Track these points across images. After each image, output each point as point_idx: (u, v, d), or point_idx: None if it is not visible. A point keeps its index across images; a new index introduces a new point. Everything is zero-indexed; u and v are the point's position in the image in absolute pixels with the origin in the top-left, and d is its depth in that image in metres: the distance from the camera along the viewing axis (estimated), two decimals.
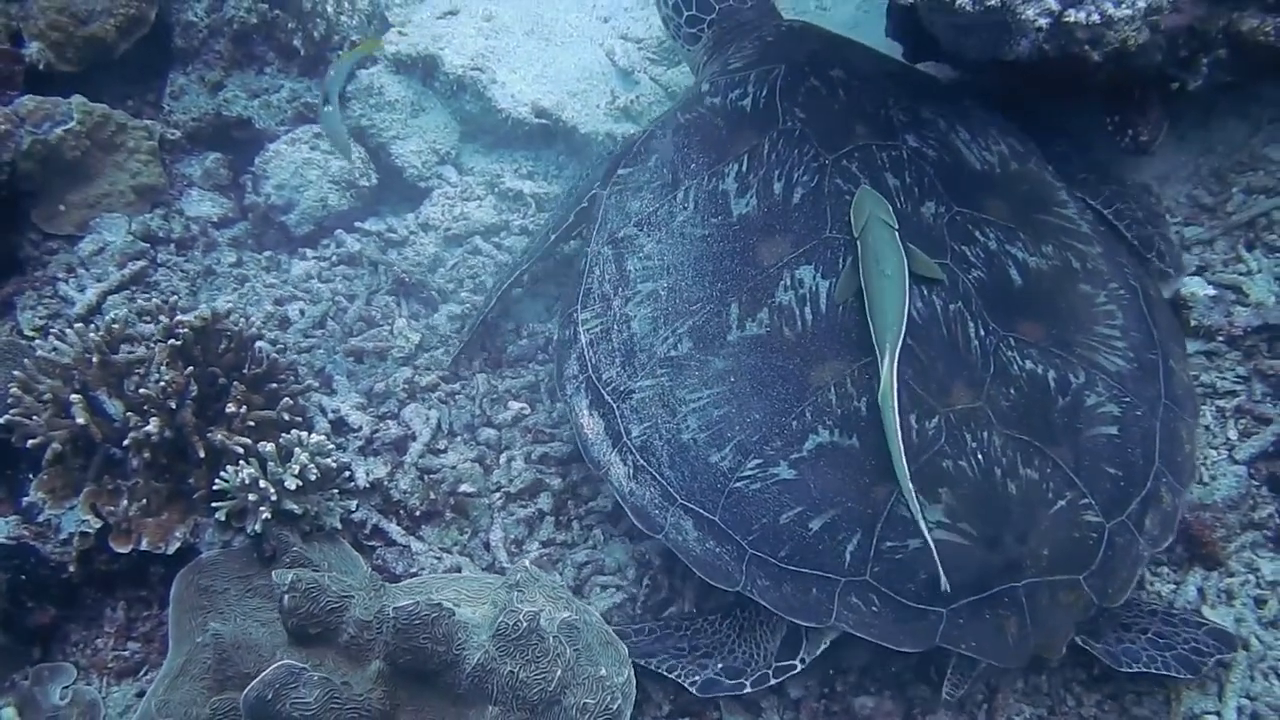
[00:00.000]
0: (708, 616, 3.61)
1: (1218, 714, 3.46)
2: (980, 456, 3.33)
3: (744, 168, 3.86)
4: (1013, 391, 3.43)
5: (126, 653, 3.78)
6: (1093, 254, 3.80)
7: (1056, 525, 3.31)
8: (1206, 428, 3.96)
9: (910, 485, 3.17)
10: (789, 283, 3.61)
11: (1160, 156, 4.51)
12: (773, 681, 3.42)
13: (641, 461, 3.59)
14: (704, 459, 3.48)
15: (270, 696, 2.91)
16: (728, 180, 3.85)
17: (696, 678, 3.44)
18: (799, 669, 3.42)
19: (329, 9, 4.97)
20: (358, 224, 4.84)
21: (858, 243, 3.54)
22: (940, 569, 3.16)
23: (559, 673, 3.08)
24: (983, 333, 3.51)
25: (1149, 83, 4.12)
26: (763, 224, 3.74)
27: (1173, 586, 3.72)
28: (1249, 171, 4.39)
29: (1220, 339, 4.06)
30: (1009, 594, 3.24)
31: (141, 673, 3.74)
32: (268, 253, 4.83)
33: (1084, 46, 3.82)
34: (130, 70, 5.08)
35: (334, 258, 4.77)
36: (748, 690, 3.42)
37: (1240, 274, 4.18)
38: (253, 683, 2.91)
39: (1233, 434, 3.93)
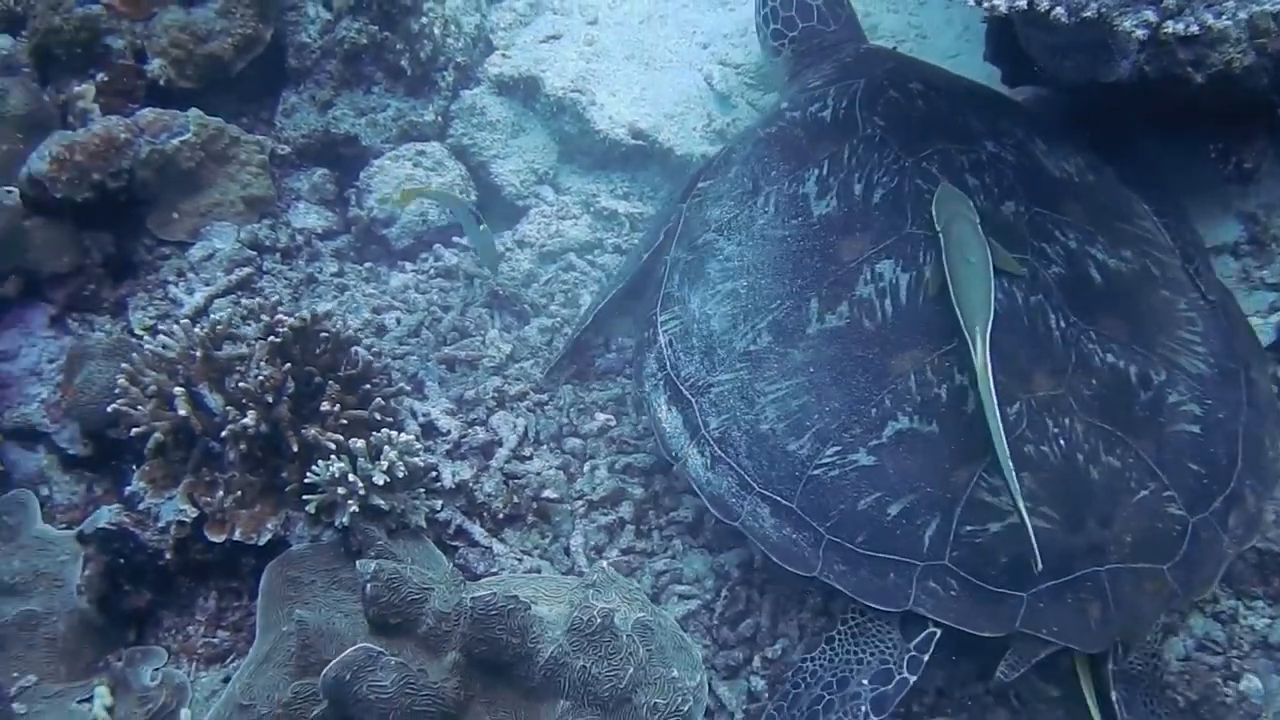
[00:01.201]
0: (812, 655, 3.54)
1: None
2: (1062, 442, 3.32)
3: (824, 172, 3.92)
4: (1095, 381, 3.43)
5: (216, 640, 3.88)
6: (1172, 264, 3.82)
7: (1139, 514, 3.30)
8: None
9: (1010, 465, 3.13)
10: (869, 277, 3.64)
11: (1266, 186, 4.43)
12: (925, 659, 3.36)
13: (719, 452, 3.64)
14: (782, 448, 3.52)
15: (348, 678, 2.97)
16: (808, 184, 3.91)
17: (864, 708, 3.36)
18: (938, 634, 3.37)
19: (436, 31, 5.10)
20: (456, 239, 4.94)
21: (941, 236, 3.55)
22: (1035, 548, 3.11)
23: (631, 670, 3.10)
24: (1064, 324, 3.51)
25: (1255, 109, 4.06)
26: (843, 223, 3.79)
27: (1268, 621, 3.63)
28: None
29: None
30: (1092, 578, 3.24)
31: (229, 660, 3.84)
32: (368, 264, 4.96)
33: (1186, 68, 3.80)
34: (246, 89, 5.26)
35: (432, 270, 4.87)
36: (906, 677, 3.36)
37: None
38: (331, 663, 2.98)
39: None
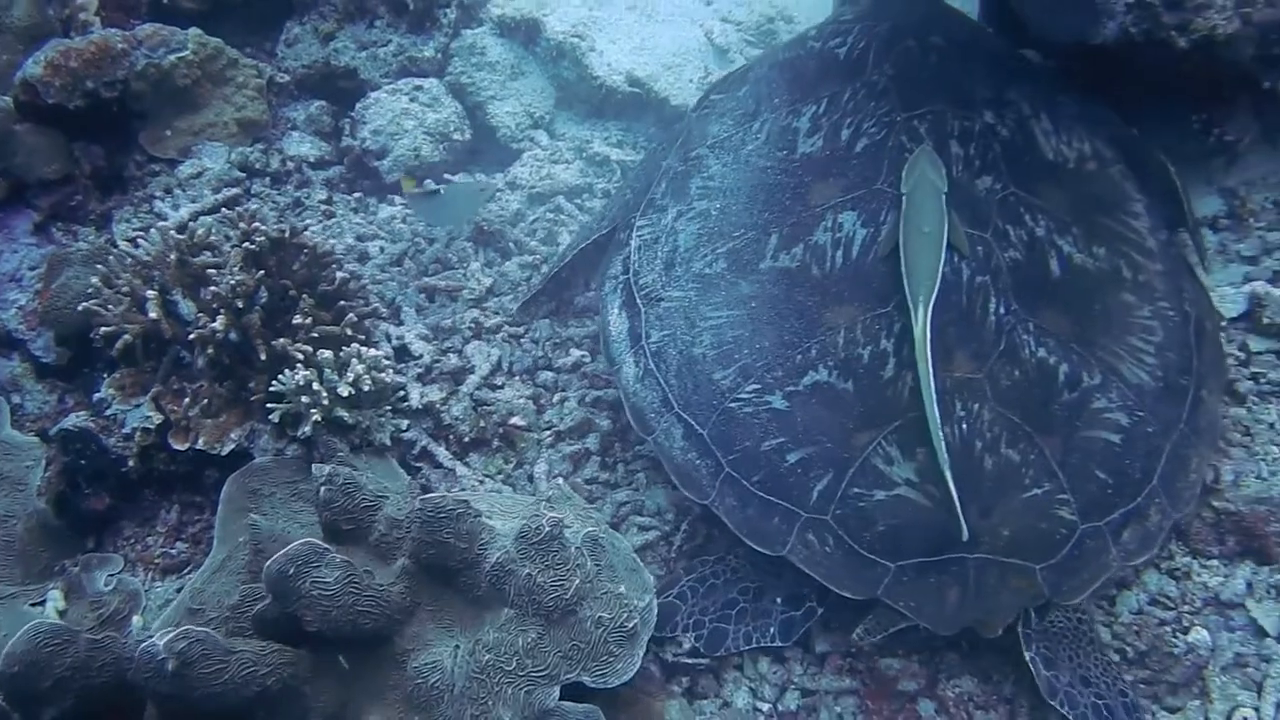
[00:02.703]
0: (738, 552, 3.57)
1: (1256, 710, 3.35)
2: (964, 426, 3.30)
3: (820, 109, 3.90)
4: (1017, 373, 3.38)
5: (174, 551, 3.90)
6: (1150, 269, 3.70)
7: (1025, 510, 3.26)
8: (1270, 425, 3.83)
9: (941, 435, 3.15)
10: (829, 224, 3.62)
11: (1250, 164, 4.42)
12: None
13: (652, 365, 3.65)
14: (708, 375, 3.52)
15: (292, 571, 2.94)
16: (802, 119, 3.90)
17: (772, 629, 3.44)
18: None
19: None
20: (448, 176, 4.93)
21: (904, 199, 3.53)
22: (961, 518, 3.14)
23: (577, 582, 3.08)
24: (1002, 310, 3.46)
25: (1239, 81, 4.04)
26: (822, 165, 3.77)
27: (1221, 579, 3.60)
28: None
29: None
30: (958, 564, 3.23)
31: (185, 571, 3.86)
32: (357, 194, 4.96)
33: (1170, 32, 3.80)
34: (251, 18, 5.31)
35: None
36: (820, 611, 3.43)
37: None
38: (276, 555, 2.94)
39: None
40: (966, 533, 3.15)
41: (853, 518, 3.28)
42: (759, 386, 3.44)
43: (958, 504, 3.14)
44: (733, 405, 3.45)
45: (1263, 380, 3.96)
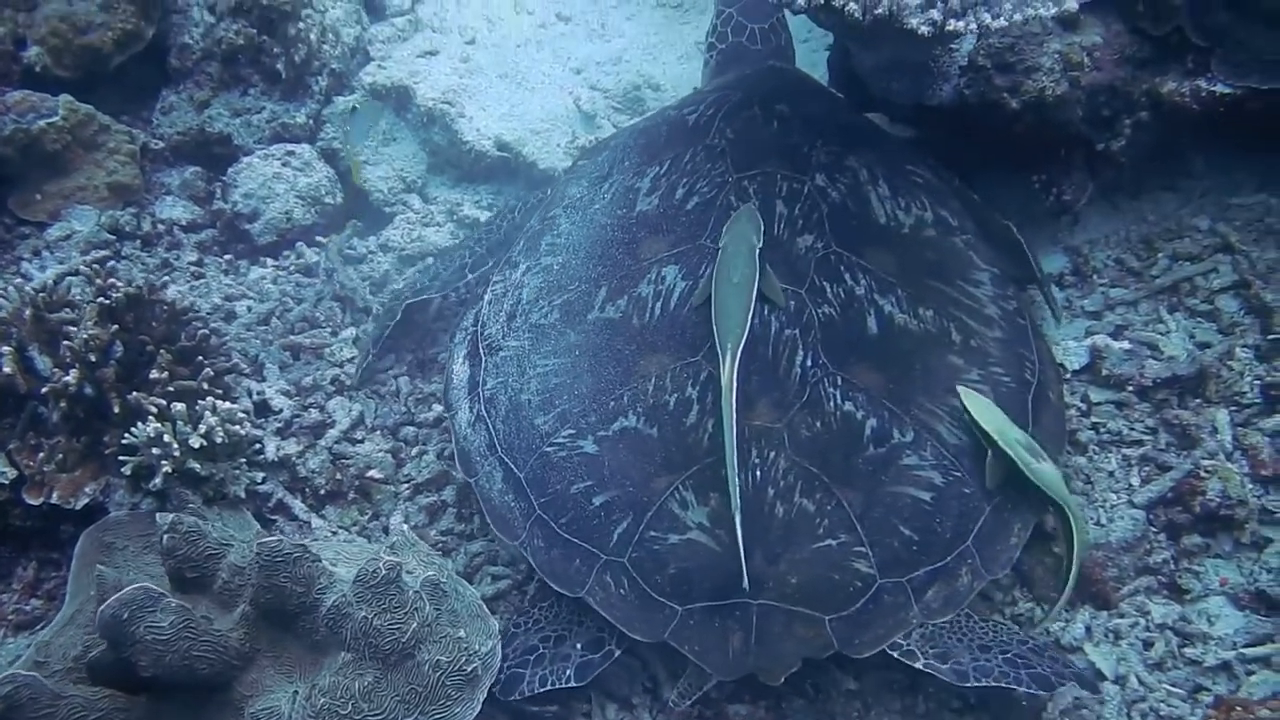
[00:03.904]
0: (540, 605, 3.63)
1: None
2: (758, 473, 3.38)
3: (662, 171, 4.07)
4: (819, 424, 3.47)
5: (28, 608, 3.86)
6: (986, 335, 3.80)
7: (816, 560, 3.32)
8: (1110, 474, 4.00)
9: (737, 483, 3.24)
10: (654, 277, 3.77)
11: (1093, 223, 4.67)
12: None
13: (484, 411, 3.76)
14: (530, 419, 3.64)
15: (125, 616, 2.93)
16: (645, 180, 4.06)
17: (568, 670, 3.43)
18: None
19: (312, 37, 5.23)
20: (319, 239, 5.01)
21: (720, 252, 3.67)
22: (743, 564, 3.21)
23: (414, 625, 3.11)
24: (809, 363, 3.56)
25: (1073, 142, 4.28)
26: (654, 222, 3.93)
27: (1061, 624, 3.72)
28: (1176, 239, 4.50)
29: (1130, 389, 4.11)
30: (741, 609, 3.28)
31: (38, 627, 3.81)
32: (228, 257, 5.01)
33: (1003, 94, 4.04)
34: (128, 88, 5.37)
35: (292, 267, 4.93)
36: (618, 654, 3.43)
37: (1159, 333, 4.25)
38: (109, 600, 2.95)
39: (1135, 480, 3.96)
40: (748, 580, 3.22)
41: (647, 560, 3.36)
42: (574, 431, 3.56)
43: (742, 551, 3.21)
44: (549, 449, 3.56)
45: (1102, 430, 4.14)
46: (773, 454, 3.40)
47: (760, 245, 3.63)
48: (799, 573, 3.29)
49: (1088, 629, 3.70)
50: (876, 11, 3.20)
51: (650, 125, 4.40)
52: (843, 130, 4.23)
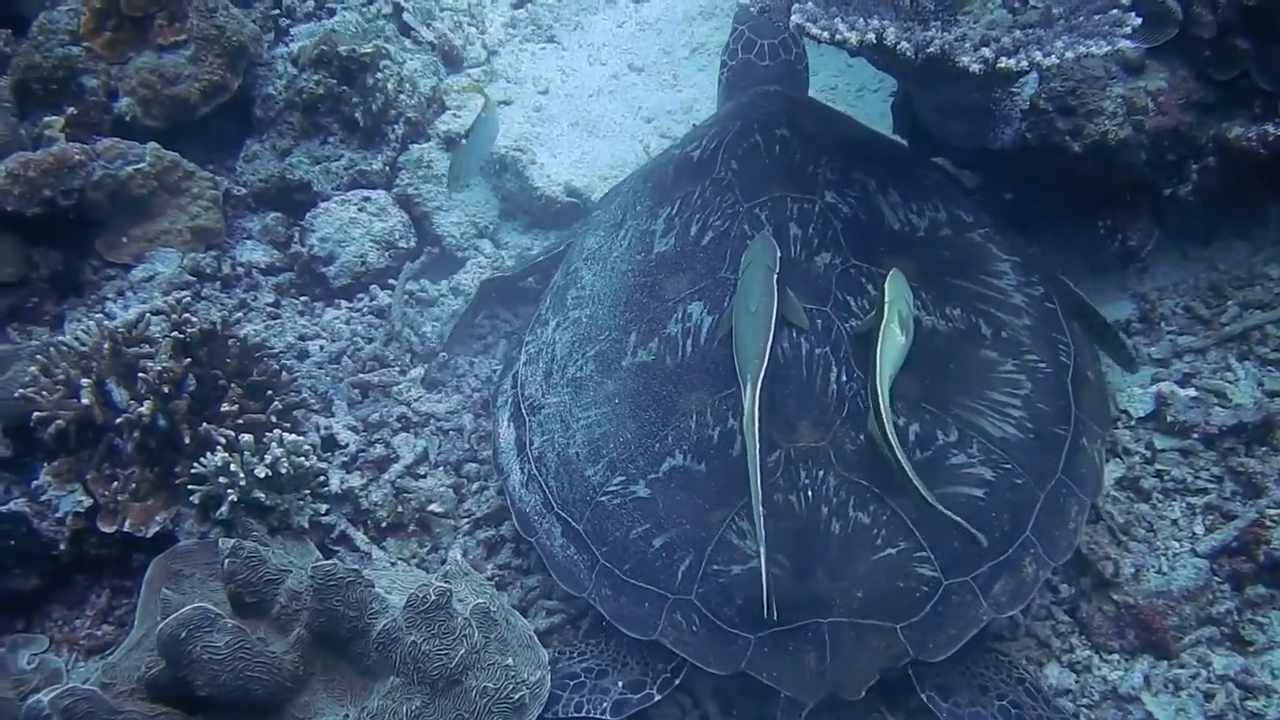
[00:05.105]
0: (590, 640, 3.70)
1: None
2: (810, 493, 3.40)
3: (674, 211, 4.11)
4: (862, 437, 3.48)
5: (99, 633, 3.99)
6: (1015, 324, 3.82)
7: (879, 571, 3.33)
8: (1173, 522, 3.93)
9: (761, 510, 3.27)
10: (680, 316, 3.82)
11: (1162, 271, 4.62)
12: (676, 682, 3.48)
13: (535, 471, 3.82)
14: (581, 472, 3.69)
15: (183, 635, 3.03)
16: (658, 221, 4.11)
17: (605, 704, 3.48)
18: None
19: (390, 86, 5.38)
20: (391, 281, 5.13)
21: (738, 283, 3.70)
22: (765, 594, 3.23)
23: (462, 651, 3.15)
24: (845, 378, 3.58)
25: (1139, 188, 4.24)
26: (673, 262, 3.97)
27: (1121, 672, 3.65)
28: (1247, 287, 4.44)
29: (1196, 436, 4.05)
30: (813, 629, 3.29)
31: (108, 652, 3.91)
32: (305, 298, 5.14)
33: (1064, 137, 4.02)
34: (213, 137, 5.56)
35: (365, 309, 5.04)
36: (657, 698, 3.47)
37: (1227, 381, 4.18)
38: (168, 619, 3.05)
39: (1199, 529, 3.88)
40: (773, 609, 3.25)
41: (714, 594, 3.38)
42: (624, 478, 3.60)
43: (765, 578, 3.24)
44: (603, 499, 3.61)
45: (1166, 477, 4.06)
46: (821, 473, 3.43)
47: (777, 270, 3.66)
48: (864, 585, 3.31)
49: (1146, 678, 3.63)
50: (929, 50, 3.23)
51: (657, 167, 4.46)
52: (845, 145, 4.24)
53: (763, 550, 3.24)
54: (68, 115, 5.14)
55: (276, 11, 5.81)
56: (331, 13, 5.81)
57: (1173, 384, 4.19)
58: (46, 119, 5.11)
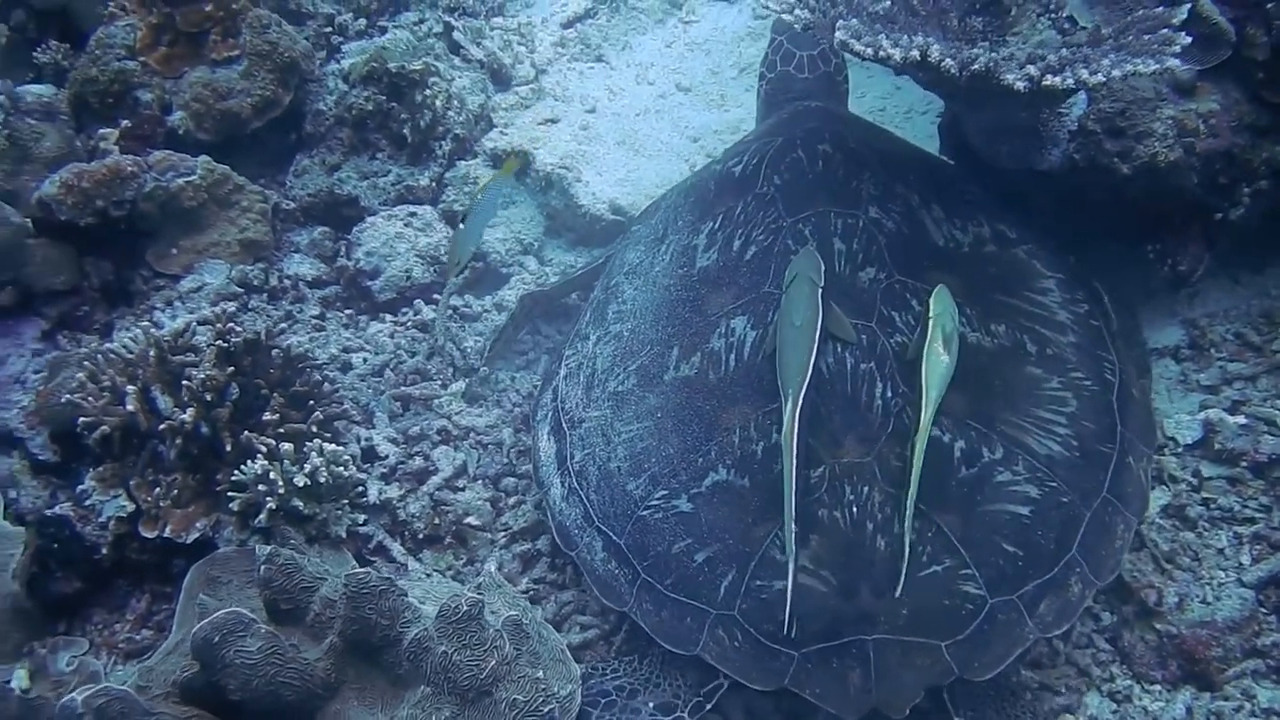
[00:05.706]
0: (624, 658, 3.70)
1: None
2: (855, 509, 3.37)
3: (716, 225, 4.11)
4: (907, 453, 3.42)
5: (138, 637, 4.03)
6: (1060, 341, 3.79)
7: (924, 588, 3.29)
8: (1220, 551, 3.86)
9: (794, 527, 3.24)
10: (723, 330, 3.80)
11: (1213, 297, 4.54)
12: (708, 706, 3.46)
13: (575, 484, 3.81)
14: (622, 486, 3.67)
15: (217, 640, 3.04)
16: (700, 236, 4.11)
17: None
18: (725, 686, 3.46)
19: (438, 103, 5.43)
20: (436, 296, 5.15)
21: (782, 298, 3.68)
22: (788, 611, 3.22)
23: (493, 663, 3.14)
24: (890, 394, 3.56)
25: (1190, 211, 4.18)
26: (716, 277, 3.97)
27: (1162, 703, 3.59)
28: None
29: (1244, 465, 3.97)
30: (857, 645, 3.25)
31: (146, 656, 3.94)
32: (350, 311, 5.18)
33: (1113, 159, 3.98)
34: (265, 152, 5.64)
35: (409, 323, 5.06)
36: (683, 717, 3.45)
37: (1278, 409, 4.10)
38: (202, 622, 3.07)
39: (1245, 559, 3.82)
40: (792, 625, 3.24)
41: (757, 610, 3.35)
42: (666, 492, 3.58)
43: (790, 589, 3.22)
44: (644, 513, 3.59)
45: (1213, 506, 4.00)
46: (866, 489, 3.41)
47: (822, 285, 3.63)
48: (908, 602, 3.27)
49: (1189, 710, 3.57)
50: (974, 68, 3.21)
51: (698, 182, 4.45)
52: (887, 160, 4.23)
53: (791, 565, 3.22)
54: (122, 128, 5.26)
55: (329, 29, 5.92)
56: (383, 30, 5.93)
57: (1221, 411, 4.12)
58: (102, 131, 5.22)
